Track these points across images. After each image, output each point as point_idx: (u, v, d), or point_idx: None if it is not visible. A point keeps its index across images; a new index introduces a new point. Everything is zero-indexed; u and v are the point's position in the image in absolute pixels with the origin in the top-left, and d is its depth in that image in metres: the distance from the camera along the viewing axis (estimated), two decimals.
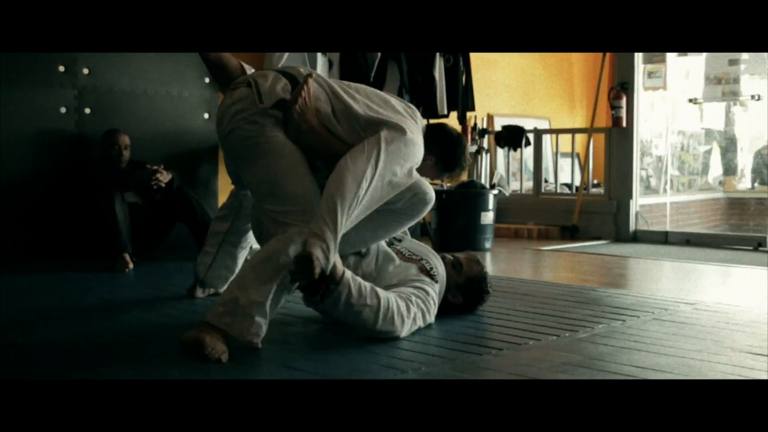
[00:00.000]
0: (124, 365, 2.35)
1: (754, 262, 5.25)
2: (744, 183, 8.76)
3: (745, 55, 6.37)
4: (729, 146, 8.40)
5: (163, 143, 5.28)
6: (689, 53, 6.68)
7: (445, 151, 3.00)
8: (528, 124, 7.13)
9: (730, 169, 8.63)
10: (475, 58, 6.59)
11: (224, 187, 5.56)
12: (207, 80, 5.47)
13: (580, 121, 8.49)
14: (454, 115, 6.47)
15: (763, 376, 2.24)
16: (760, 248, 6.17)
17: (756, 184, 8.56)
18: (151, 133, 5.22)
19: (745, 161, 8.66)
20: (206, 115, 5.49)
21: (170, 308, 3.26)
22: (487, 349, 2.54)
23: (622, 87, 6.25)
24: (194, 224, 4.70)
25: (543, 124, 7.77)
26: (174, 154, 5.30)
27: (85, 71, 4.93)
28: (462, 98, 6.44)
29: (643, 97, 6.40)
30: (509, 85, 7.62)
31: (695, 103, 6.89)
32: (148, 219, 4.72)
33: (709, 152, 8.51)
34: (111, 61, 5.02)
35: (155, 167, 4.57)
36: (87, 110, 4.95)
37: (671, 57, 6.79)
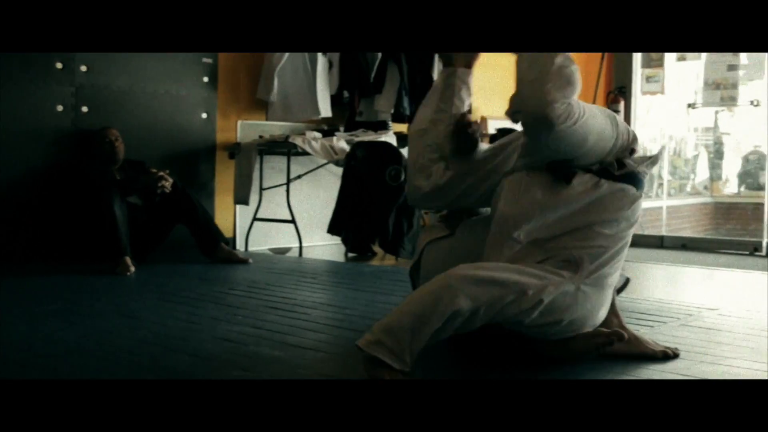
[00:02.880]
0: (152, 369, 2.27)
1: (754, 267, 5.27)
2: (730, 188, 8.82)
3: (744, 61, 6.38)
4: (717, 151, 8.45)
5: (161, 142, 5.17)
6: (688, 58, 6.68)
7: None
8: (521, 127, 7.10)
9: (716, 174, 8.68)
10: None
11: (221, 188, 5.48)
12: (206, 79, 5.37)
13: None
14: None
15: None
16: (756, 252, 6.21)
17: (742, 189, 8.62)
18: (149, 131, 5.11)
19: (731, 166, 8.72)
20: (204, 115, 5.39)
21: (184, 313, 3.17)
22: None
23: (620, 91, 6.25)
24: (196, 226, 4.62)
25: None
26: (171, 154, 5.20)
27: (83, 68, 4.81)
28: None
29: (640, 102, 6.39)
30: (503, 87, 7.55)
31: (693, 108, 6.91)
32: (148, 221, 4.61)
33: (696, 157, 8.56)
34: (109, 59, 4.91)
35: (161, 173, 4.47)
36: (84, 108, 4.82)
37: (670, 62, 6.79)
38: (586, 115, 2.26)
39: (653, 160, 2.53)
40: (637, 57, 6.30)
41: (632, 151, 2.43)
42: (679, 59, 6.70)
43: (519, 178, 2.37)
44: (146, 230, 4.60)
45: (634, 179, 2.40)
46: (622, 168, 2.37)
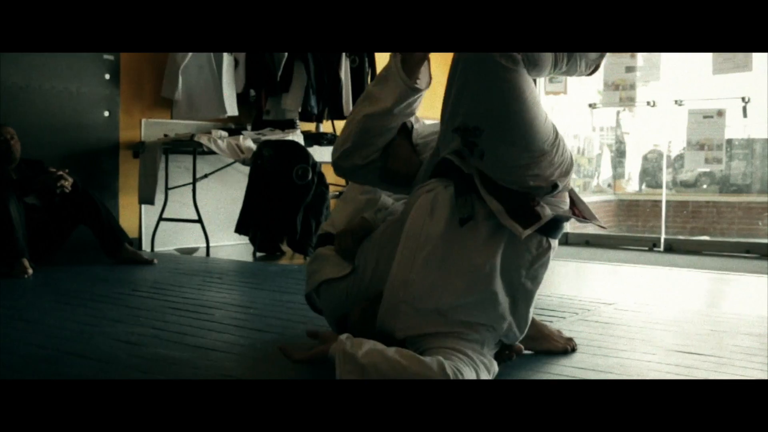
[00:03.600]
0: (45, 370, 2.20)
1: (652, 262, 5.45)
2: (632, 185, 9.10)
3: (640, 63, 6.60)
4: (618, 150, 8.71)
5: (61, 141, 5.03)
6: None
7: None
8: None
9: (619, 172, 8.95)
10: (380, 59, 6.58)
11: (125, 188, 5.37)
12: (107, 76, 5.25)
13: None
14: None
15: (701, 376, 2.30)
16: (655, 248, 6.43)
17: (643, 187, 8.90)
18: (47, 130, 4.96)
19: (632, 165, 9.00)
20: (106, 113, 5.26)
21: (82, 315, 3.09)
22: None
23: None
24: (99, 226, 4.51)
25: None
26: (72, 153, 5.07)
27: None
28: None
29: (544, 101, 6.53)
30: None
31: (595, 108, 7.12)
32: (47, 221, 4.47)
33: (600, 156, 8.81)
34: (2, 54, 4.74)
35: (60, 172, 4.34)
36: None
37: None
38: (529, 87, 2.02)
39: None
40: None
41: (554, 187, 2.08)
42: None
43: (421, 215, 2.11)
44: (46, 231, 4.47)
45: (553, 226, 2.13)
46: (536, 217, 2.05)
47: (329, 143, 5.97)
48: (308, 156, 5.20)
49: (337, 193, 5.88)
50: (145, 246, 5.44)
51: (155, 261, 4.62)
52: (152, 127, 5.50)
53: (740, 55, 5.90)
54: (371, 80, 6.46)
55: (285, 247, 5.39)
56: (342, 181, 6.35)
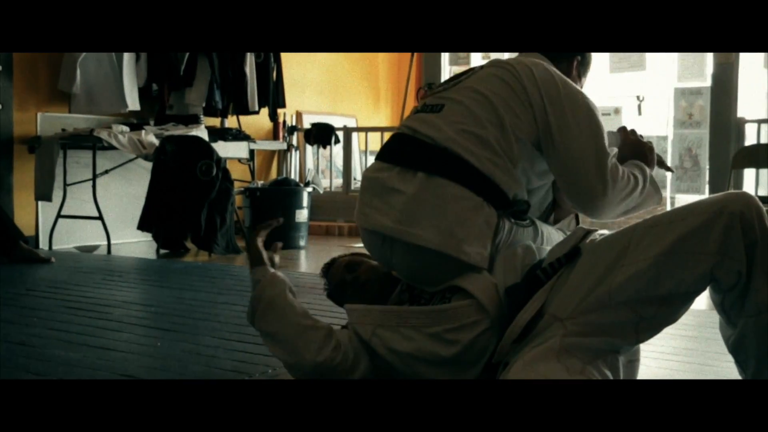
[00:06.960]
0: None
1: None
2: None
3: None
4: None
5: None
6: (492, 56, 6.99)
7: None
8: (335, 121, 7.16)
9: None
10: (285, 54, 6.55)
11: (20, 184, 5.19)
12: None
13: (385, 119, 8.63)
14: (264, 111, 6.41)
15: None
16: None
17: None
18: None
19: None
20: None
21: None
22: None
23: (430, 87, 6.45)
24: None
25: (350, 122, 7.84)
26: None
27: None
28: (273, 95, 6.39)
29: None
30: (317, 83, 7.64)
31: None
32: None
33: None
34: None
35: None
36: None
37: (476, 60, 7.08)
38: None
39: None
40: (445, 55, 6.52)
41: None
42: (484, 57, 7.01)
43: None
44: None
45: None
46: None
47: (234, 138, 5.91)
48: (212, 151, 5.13)
49: (242, 189, 5.82)
50: (43, 244, 5.27)
51: (53, 259, 4.49)
52: (49, 122, 5.32)
53: (635, 55, 6.10)
54: (276, 75, 6.43)
55: (189, 244, 5.30)
56: (247, 177, 6.31)
